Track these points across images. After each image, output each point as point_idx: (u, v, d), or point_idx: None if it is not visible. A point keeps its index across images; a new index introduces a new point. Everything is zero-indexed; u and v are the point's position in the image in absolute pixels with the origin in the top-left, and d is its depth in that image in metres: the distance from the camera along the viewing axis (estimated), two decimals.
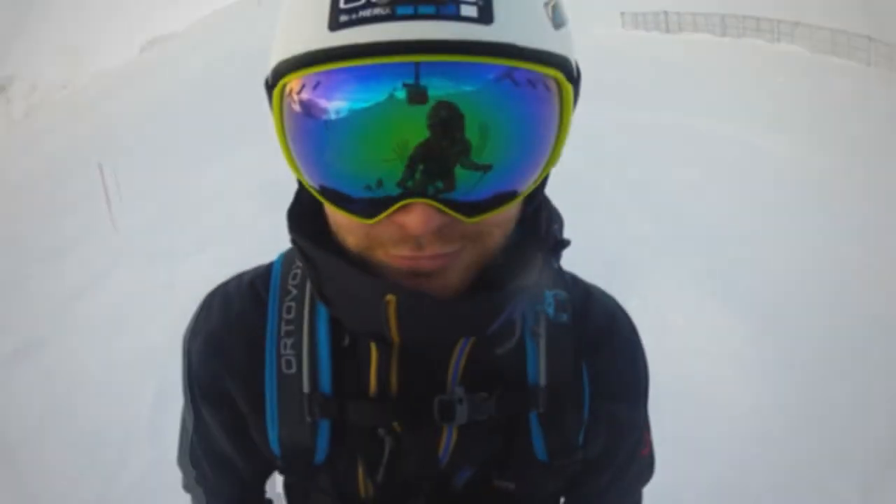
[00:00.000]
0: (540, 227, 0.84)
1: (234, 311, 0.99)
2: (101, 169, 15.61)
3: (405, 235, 0.69)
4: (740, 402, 4.57)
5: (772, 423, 4.31)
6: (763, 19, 24.59)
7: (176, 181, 18.73)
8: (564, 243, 0.92)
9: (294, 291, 0.95)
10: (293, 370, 0.90)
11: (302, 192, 0.86)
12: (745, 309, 5.81)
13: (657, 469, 1.17)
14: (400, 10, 0.59)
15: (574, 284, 1.03)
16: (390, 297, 0.74)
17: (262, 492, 1.17)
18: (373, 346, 0.85)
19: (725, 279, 6.49)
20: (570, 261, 0.97)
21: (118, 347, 7.32)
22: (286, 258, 1.00)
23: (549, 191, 0.86)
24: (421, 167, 0.64)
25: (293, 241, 0.83)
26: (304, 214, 0.85)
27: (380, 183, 0.65)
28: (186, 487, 1.20)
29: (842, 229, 7.51)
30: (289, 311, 0.93)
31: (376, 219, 0.68)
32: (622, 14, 32.77)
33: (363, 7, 0.60)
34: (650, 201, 9.05)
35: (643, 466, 1.14)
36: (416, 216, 0.65)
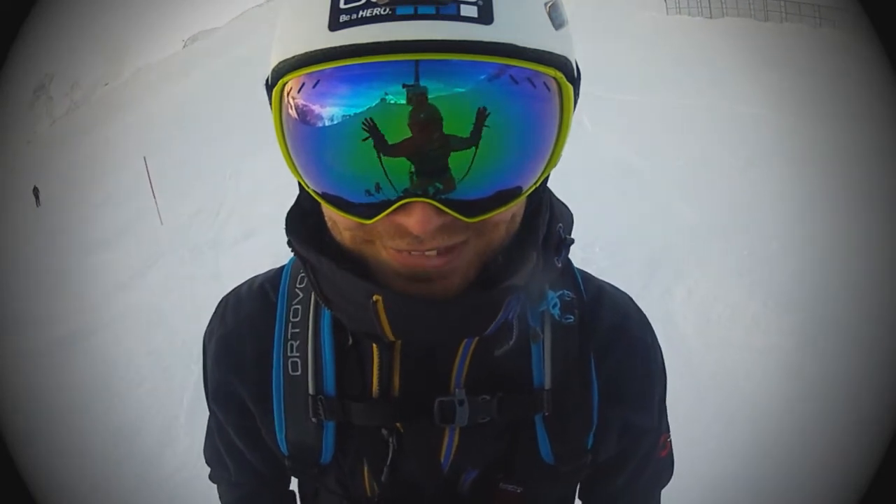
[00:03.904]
0: (537, 227, 0.82)
1: (244, 314, 1.01)
2: (146, 162, 15.94)
3: (404, 232, 0.68)
4: (779, 399, 4.48)
5: (811, 422, 4.20)
6: (805, 4, 24.13)
7: (219, 173, 19.03)
8: (568, 242, 0.89)
9: (301, 294, 0.96)
10: (299, 372, 0.92)
11: (301, 191, 0.86)
12: (789, 304, 5.65)
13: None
14: (400, 10, 0.59)
15: (585, 283, 1.00)
16: (377, 297, 0.73)
17: (284, 486, 1.20)
18: (374, 348, 0.86)
19: (772, 271, 6.33)
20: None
21: (162, 337, 7.49)
22: (296, 261, 1.00)
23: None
24: (420, 167, 0.63)
25: (289, 243, 0.83)
26: (305, 215, 0.85)
27: (379, 184, 0.65)
28: (212, 478, 1.24)
29: (892, 222, 7.26)
30: (295, 315, 0.95)
31: (374, 219, 0.67)
32: None
33: (363, 7, 0.60)
34: (697, 189, 8.88)
35: (660, 469, 1.12)
36: (416, 217, 0.65)
